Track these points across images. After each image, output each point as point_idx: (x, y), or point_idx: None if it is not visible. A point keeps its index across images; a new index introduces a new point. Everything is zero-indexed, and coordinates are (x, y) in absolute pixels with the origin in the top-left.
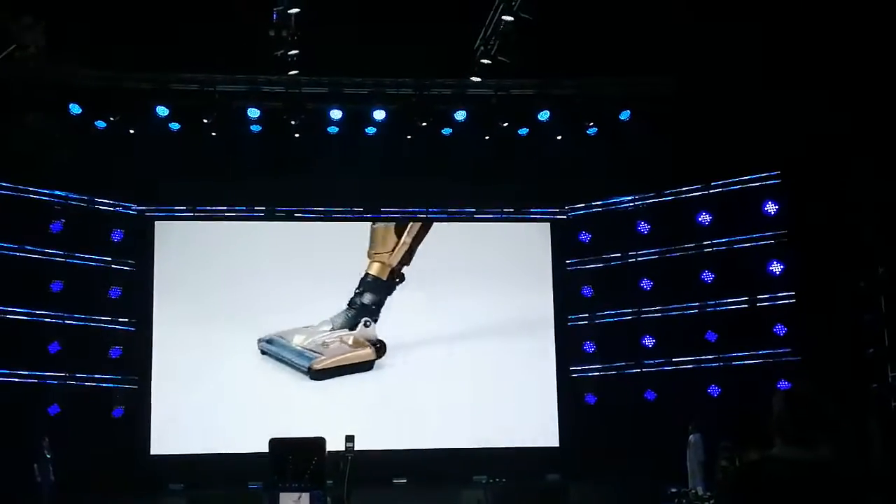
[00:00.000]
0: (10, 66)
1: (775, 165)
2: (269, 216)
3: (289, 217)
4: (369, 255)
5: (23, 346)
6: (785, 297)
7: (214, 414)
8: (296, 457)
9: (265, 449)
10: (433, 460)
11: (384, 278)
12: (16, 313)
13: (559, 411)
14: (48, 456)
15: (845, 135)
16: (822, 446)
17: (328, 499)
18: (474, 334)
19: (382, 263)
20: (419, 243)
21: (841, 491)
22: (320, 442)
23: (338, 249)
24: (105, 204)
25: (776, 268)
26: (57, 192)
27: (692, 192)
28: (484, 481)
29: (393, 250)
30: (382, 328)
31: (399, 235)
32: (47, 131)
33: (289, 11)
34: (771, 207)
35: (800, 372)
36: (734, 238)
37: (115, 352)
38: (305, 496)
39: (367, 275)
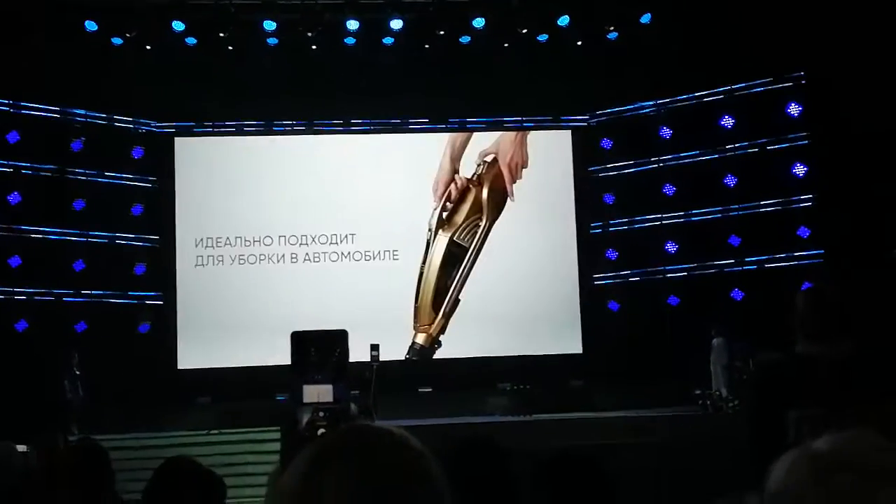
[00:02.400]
0: None
1: (799, 67)
2: (288, 130)
3: (307, 130)
4: (415, 328)
5: (48, 265)
6: (808, 200)
7: (240, 327)
8: (318, 349)
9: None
10: (457, 368)
11: (428, 345)
12: (39, 232)
13: (582, 318)
14: (77, 372)
15: (869, 35)
16: (843, 343)
17: (354, 406)
18: (496, 243)
19: (427, 334)
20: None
21: (861, 385)
22: (342, 334)
23: (357, 161)
24: (124, 121)
25: (799, 170)
26: (76, 111)
27: (714, 95)
28: (508, 388)
29: (432, 324)
30: (407, 236)
31: (437, 311)
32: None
33: None
34: (794, 109)
35: (823, 274)
36: (757, 141)
37: (139, 268)
38: (329, 388)
39: (414, 342)
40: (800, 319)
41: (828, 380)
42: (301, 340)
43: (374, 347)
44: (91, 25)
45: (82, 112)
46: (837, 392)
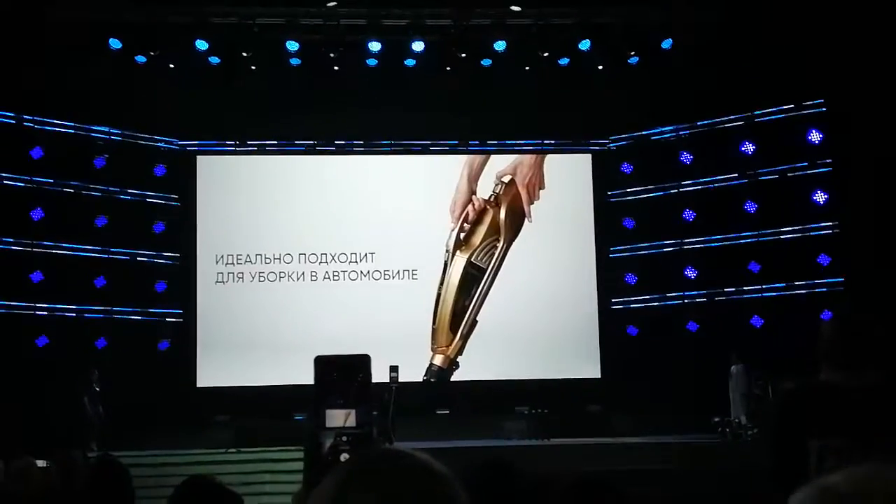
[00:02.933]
0: (48, 4)
1: (820, 93)
2: (310, 150)
3: (329, 150)
4: (433, 349)
5: (69, 281)
6: (829, 227)
7: (259, 346)
8: (340, 374)
9: (310, 381)
10: (475, 391)
11: (445, 367)
12: (61, 248)
13: (601, 343)
14: (97, 389)
15: (890, 62)
16: (870, 372)
17: (373, 429)
18: (515, 265)
19: (444, 356)
20: (468, 340)
21: (887, 415)
22: (365, 359)
23: (378, 181)
24: (147, 139)
25: (820, 197)
26: (99, 128)
27: (735, 121)
28: (526, 412)
29: (450, 345)
30: (427, 256)
31: (454, 333)
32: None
33: None
34: (815, 136)
35: (843, 302)
36: (777, 168)
37: (160, 286)
38: (352, 413)
39: (432, 364)
40: (826, 347)
41: (853, 409)
42: (324, 365)
43: (394, 369)
44: (115, 43)
45: (105, 129)
46: (862, 422)
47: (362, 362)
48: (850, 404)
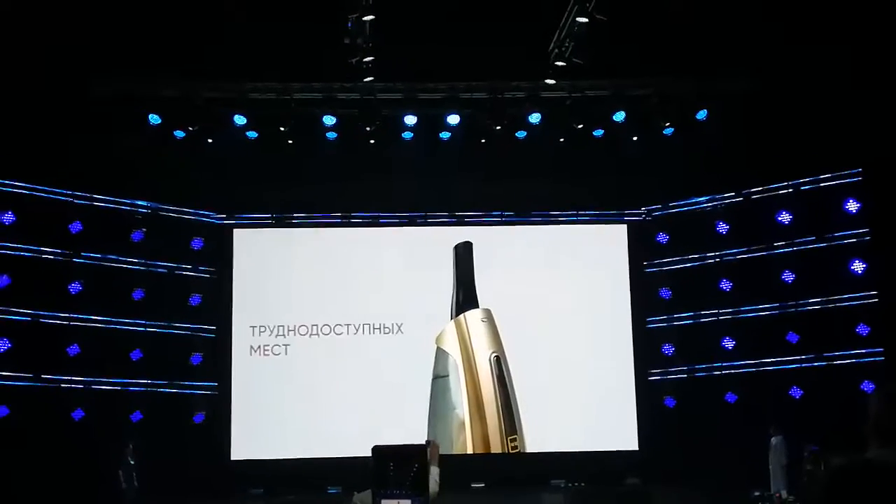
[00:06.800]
0: (89, 79)
1: (856, 163)
2: (346, 223)
3: (366, 223)
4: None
5: (105, 354)
6: (868, 297)
7: (294, 419)
8: (398, 463)
9: (344, 454)
10: (511, 464)
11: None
12: (98, 321)
13: (638, 415)
14: (132, 462)
15: None
16: None
17: None
18: (552, 337)
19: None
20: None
21: None
22: (421, 448)
23: (415, 254)
24: (185, 213)
25: (858, 267)
26: (138, 202)
27: (771, 191)
28: (563, 485)
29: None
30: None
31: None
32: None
33: (363, 19)
34: (853, 206)
35: (884, 373)
36: (815, 237)
37: (195, 358)
38: (408, 503)
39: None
40: (873, 422)
41: None
42: (381, 455)
43: (429, 444)
44: (154, 119)
45: (143, 203)
46: None
47: (418, 452)
48: None
